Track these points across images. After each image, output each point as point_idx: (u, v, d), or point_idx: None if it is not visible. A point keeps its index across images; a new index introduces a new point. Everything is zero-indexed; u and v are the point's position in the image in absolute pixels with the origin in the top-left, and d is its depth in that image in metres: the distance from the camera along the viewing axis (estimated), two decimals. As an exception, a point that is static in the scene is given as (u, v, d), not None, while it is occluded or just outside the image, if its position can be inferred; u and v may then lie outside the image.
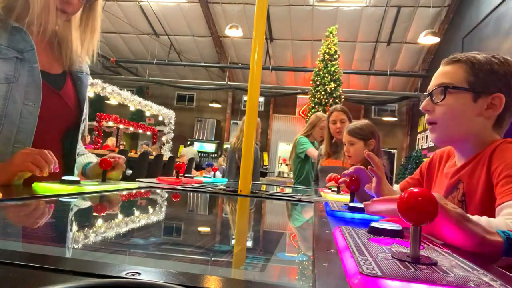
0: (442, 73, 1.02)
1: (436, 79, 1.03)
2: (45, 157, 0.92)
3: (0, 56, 0.98)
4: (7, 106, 0.98)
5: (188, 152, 10.38)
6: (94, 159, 1.32)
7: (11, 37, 1.01)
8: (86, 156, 1.32)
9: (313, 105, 8.55)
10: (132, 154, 7.36)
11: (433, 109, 1.01)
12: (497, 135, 0.97)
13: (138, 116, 13.21)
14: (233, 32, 8.30)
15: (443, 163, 1.13)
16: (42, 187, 0.89)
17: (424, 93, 1.09)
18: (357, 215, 0.79)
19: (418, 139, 11.30)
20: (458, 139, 1.01)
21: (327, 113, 2.77)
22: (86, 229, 0.60)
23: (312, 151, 2.99)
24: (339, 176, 1.41)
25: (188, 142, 12.59)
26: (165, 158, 7.49)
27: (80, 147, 1.30)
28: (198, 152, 13.11)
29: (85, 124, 1.26)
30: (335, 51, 8.65)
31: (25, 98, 1.01)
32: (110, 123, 10.47)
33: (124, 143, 13.11)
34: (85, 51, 1.17)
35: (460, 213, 0.54)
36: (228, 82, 12.55)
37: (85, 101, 1.23)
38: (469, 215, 0.57)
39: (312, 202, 1.15)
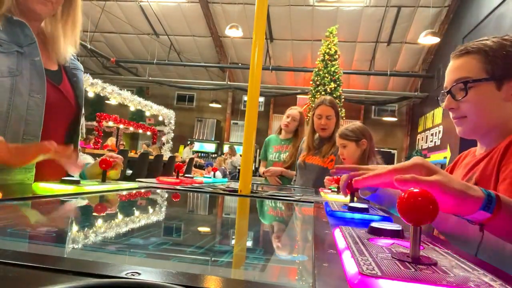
0: (456, 68, 0.97)
1: (451, 75, 0.98)
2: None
3: (2, 50, 0.98)
4: (14, 99, 0.99)
5: (185, 153, 10.41)
6: (90, 160, 1.32)
7: (12, 31, 1.01)
8: (82, 157, 1.32)
9: (313, 105, 8.55)
10: (132, 154, 7.36)
11: (457, 106, 0.97)
12: None
13: (138, 116, 13.22)
14: (233, 32, 8.31)
15: (464, 159, 1.09)
16: (42, 187, 0.89)
17: (442, 91, 1.03)
18: (357, 215, 0.78)
19: (418, 139, 11.30)
20: (488, 129, 0.95)
21: (315, 104, 2.56)
22: (86, 229, 0.60)
23: None
24: (335, 177, 1.42)
25: (188, 142, 12.55)
26: (165, 158, 7.50)
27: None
28: (198, 152, 13.12)
29: (82, 121, 1.27)
30: (335, 51, 8.67)
31: (30, 90, 1.02)
32: (110, 123, 10.47)
33: (124, 143, 13.11)
34: (68, 43, 1.17)
35: (439, 179, 0.55)
36: (228, 82, 12.55)
37: (83, 97, 1.24)
38: (452, 178, 0.57)
39: (312, 202, 1.15)
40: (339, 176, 1.42)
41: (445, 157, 8.48)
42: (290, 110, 2.93)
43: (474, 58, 0.93)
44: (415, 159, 0.64)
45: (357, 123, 2.17)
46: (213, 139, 13.83)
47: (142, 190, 1.19)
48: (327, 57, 8.64)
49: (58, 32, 1.15)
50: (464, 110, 0.96)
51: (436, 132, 9.58)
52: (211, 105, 13.42)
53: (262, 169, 3.00)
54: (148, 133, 12.27)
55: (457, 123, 1.00)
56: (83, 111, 1.25)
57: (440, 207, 0.47)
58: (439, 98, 1.06)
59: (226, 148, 11.87)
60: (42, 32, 1.15)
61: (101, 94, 8.70)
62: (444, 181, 0.55)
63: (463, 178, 0.98)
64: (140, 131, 12.25)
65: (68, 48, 1.18)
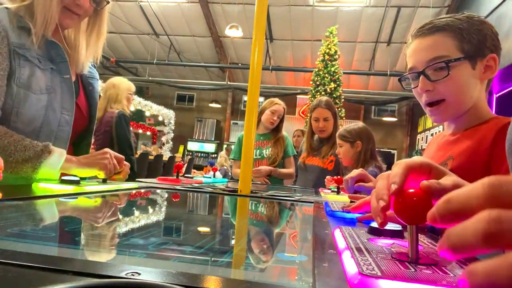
0: (429, 46, 0.91)
1: (422, 54, 0.92)
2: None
3: (41, 66, 1.02)
4: (48, 116, 1.03)
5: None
6: None
7: (46, 49, 1.05)
8: None
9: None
10: (132, 154, 7.34)
11: (433, 88, 0.91)
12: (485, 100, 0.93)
13: (138, 116, 13.21)
14: (233, 32, 8.31)
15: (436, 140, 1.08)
16: (42, 187, 0.89)
17: (406, 73, 0.97)
18: (357, 215, 0.78)
19: (418, 139, 11.30)
20: (464, 110, 0.92)
21: (311, 106, 2.49)
22: (86, 229, 0.60)
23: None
24: (336, 177, 1.44)
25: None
26: (165, 158, 7.49)
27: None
28: (198, 152, 13.11)
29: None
30: (335, 51, 8.66)
31: (62, 108, 1.07)
32: (110, 123, 10.44)
33: (124, 143, 13.10)
34: (90, 54, 1.19)
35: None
36: (228, 82, 12.55)
37: (96, 106, 1.26)
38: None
39: (312, 202, 1.15)
40: (339, 177, 1.43)
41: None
42: (274, 105, 2.60)
43: (448, 35, 0.89)
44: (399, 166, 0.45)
45: (359, 124, 2.21)
46: (213, 139, 13.82)
47: (142, 190, 1.19)
48: (327, 57, 8.63)
49: (81, 42, 1.17)
50: (442, 91, 0.91)
51: (436, 132, 9.58)
52: (211, 105, 13.42)
53: (236, 171, 2.58)
54: (148, 133, 12.27)
55: (433, 110, 0.94)
56: (96, 120, 1.28)
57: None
58: (402, 81, 1.00)
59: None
60: (63, 40, 1.16)
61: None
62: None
63: (439, 160, 0.94)
64: (140, 131, 12.25)
65: (88, 59, 1.20)
